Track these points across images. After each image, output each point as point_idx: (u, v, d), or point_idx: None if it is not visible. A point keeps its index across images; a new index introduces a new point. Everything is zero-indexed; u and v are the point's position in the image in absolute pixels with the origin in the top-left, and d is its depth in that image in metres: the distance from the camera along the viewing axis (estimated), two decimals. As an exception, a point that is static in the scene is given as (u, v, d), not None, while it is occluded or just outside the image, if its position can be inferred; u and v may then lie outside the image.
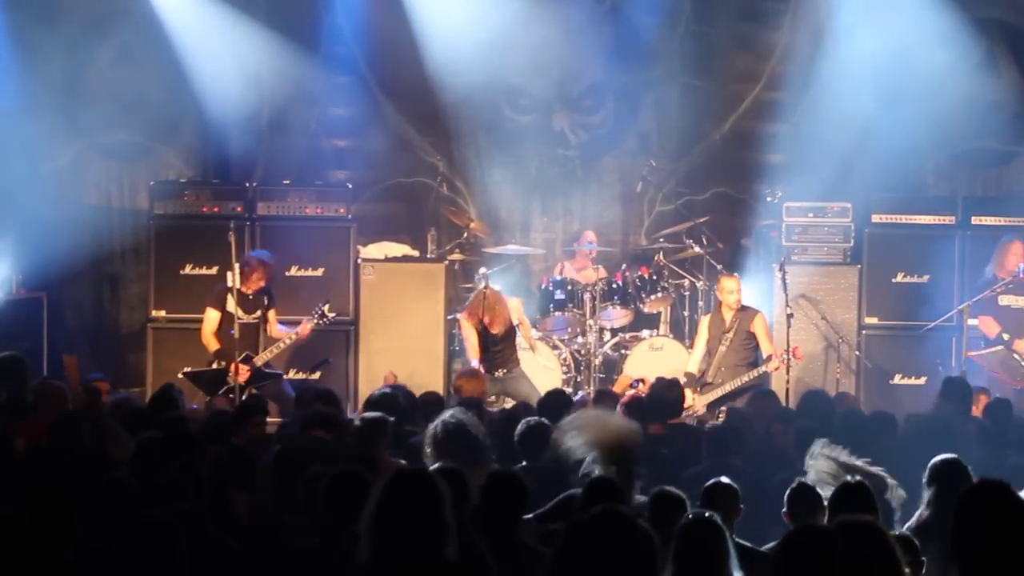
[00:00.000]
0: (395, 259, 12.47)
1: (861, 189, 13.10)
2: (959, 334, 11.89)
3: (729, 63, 14.06)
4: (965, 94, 13.30)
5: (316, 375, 12.04)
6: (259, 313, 11.19)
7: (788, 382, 11.03)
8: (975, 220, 12.41)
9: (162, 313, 12.26)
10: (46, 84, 13.22)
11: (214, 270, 11.96)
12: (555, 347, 12.43)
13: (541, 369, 12.08)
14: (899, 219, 12.50)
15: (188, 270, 12.22)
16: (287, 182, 12.64)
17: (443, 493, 4.22)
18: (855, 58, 13.35)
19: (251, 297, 11.15)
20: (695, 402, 11.04)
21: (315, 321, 11.15)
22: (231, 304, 11.01)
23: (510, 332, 11.59)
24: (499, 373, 11.44)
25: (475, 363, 11.21)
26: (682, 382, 10.92)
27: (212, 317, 11.13)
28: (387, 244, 12.73)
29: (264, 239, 12.21)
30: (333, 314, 11.30)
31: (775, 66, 13.92)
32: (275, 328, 11.25)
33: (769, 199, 12.82)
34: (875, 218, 12.51)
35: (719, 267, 12.24)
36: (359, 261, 12.33)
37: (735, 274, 11.72)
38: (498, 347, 11.45)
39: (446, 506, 4.20)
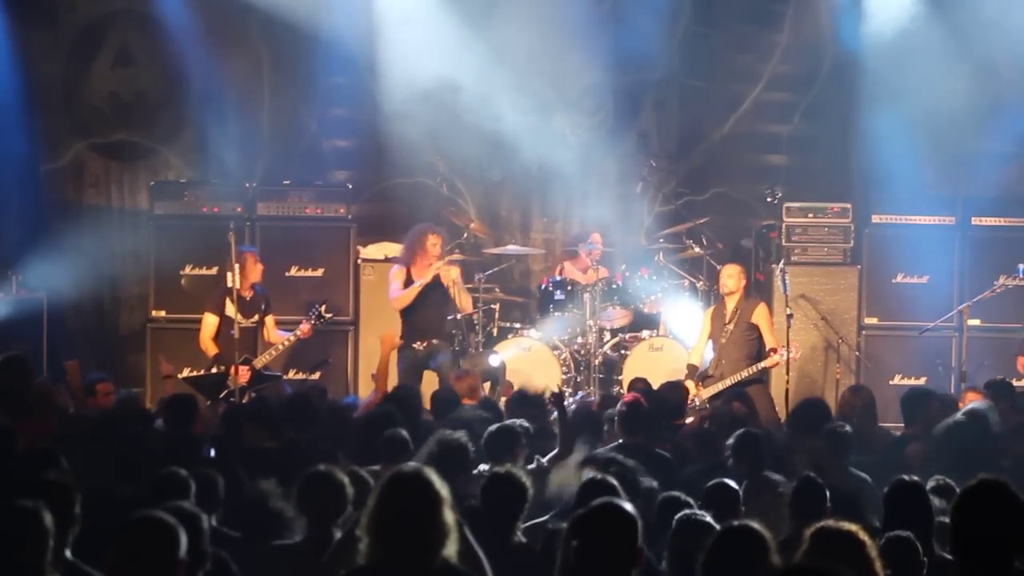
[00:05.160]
0: (395, 259, 12.45)
1: (861, 189, 13.09)
2: (959, 334, 11.90)
3: (729, 63, 14.06)
4: (965, 94, 13.28)
5: (316, 375, 12.03)
6: (257, 317, 11.20)
7: (788, 382, 11.01)
8: (975, 220, 12.40)
9: (162, 313, 12.26)
10: (46, 84, 13.22)
11: (214, 270, 11.96)
12: (555, 347, 12.42)
13: (541, 369, 12.08)
14: (899, 219, 12.49)
15: (188, 270, 12.22)
16: (287, 182, 12.64)
17: (441, 494, 4.22)
18: (855, 58, 13.36)
19: (249, 301, 11.15)
20: (697, 394, 11.01)
21: (312, 322, 11.14)
22: (230, 308, 11.01)
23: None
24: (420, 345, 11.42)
25: None
26: (683, 374, 10.97)
27: (210, 322, 11.12)
28: (387, 244, 12.72)
29: (264, 239, 12.21)
30: (329, 315, 11.27)
31: (775, 66, 13.93)
32: (274, 333, 11.25)
33: (769, 199, 12.81)
34: (875, 218, 12.50)
35: (719, 268, 12.23)
36: (359, 261, 12.32)
37: (736, 262, 11.66)
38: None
39: (445, 507, 4.20)
